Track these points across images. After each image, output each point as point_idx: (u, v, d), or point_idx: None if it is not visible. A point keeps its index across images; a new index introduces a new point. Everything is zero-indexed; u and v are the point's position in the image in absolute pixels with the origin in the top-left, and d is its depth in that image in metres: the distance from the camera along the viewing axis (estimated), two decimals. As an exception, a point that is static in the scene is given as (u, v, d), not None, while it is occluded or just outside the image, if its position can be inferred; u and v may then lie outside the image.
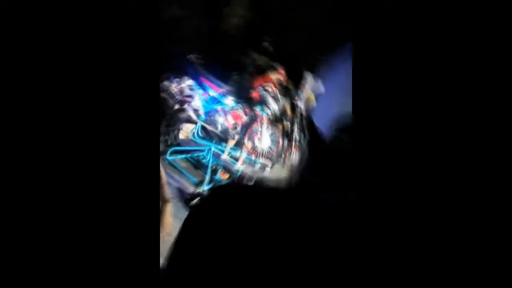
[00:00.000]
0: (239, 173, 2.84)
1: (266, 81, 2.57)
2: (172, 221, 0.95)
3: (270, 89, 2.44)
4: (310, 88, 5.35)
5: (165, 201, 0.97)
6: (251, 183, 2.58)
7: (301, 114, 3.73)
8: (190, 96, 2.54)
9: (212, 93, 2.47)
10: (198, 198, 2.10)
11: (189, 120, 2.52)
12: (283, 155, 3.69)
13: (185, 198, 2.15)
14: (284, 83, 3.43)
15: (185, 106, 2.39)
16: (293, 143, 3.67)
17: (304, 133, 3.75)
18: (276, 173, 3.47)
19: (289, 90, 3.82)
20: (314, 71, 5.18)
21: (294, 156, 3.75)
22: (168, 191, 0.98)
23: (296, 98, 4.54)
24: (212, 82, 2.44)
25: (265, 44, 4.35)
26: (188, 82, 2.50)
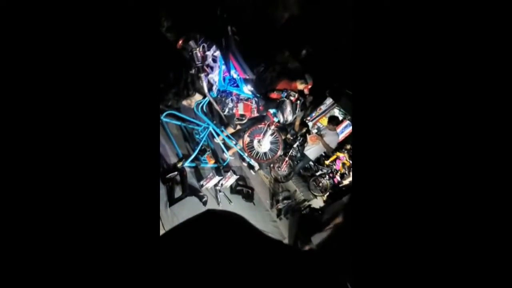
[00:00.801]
0: (225, 163, 2.70)
1: (292, 88, 2.43)
2: None
3: (292, 98, 2.30)
4: (325, 112, 5.27)
5: None
6: (235, 177, 2.44)
7: (305, 135, 3.66)
8: (210, 67, 2.36)
9: (234, 74, 2.30)
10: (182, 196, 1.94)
11: (199, 91, 2.34)
12: (272, 165, 3.59)
13: (162, 165, 1.99)
14: (306, 98, 3.33)
15: (202, 75, 2.21)
16: (287, 158, 3.60)
17: (300, 152, 3.69)
18: (259, 178, 3.37)
19: (307, 106, 3.73)
20: (335, 98, 5.13)
21: (282, 170, 3.67)
22: None
23: (309, 117, 4.48)
24: (239, 63, 2.26)
25: (304, 51, 4.23)
26: (214, 52, 2.32)
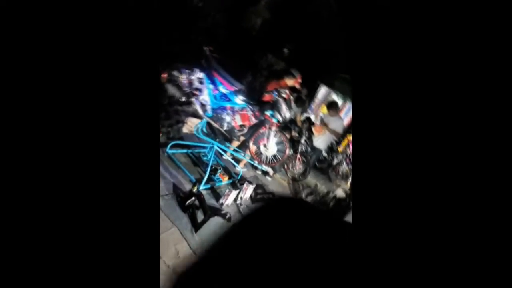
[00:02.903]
0: (239, 177, 2.70)
1: (281, 86, 2.45)
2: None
3: (285, 96, 2.31)
4: (323, 100, 5.24)
5: None
6: (252, 186, 2.44)
7: (310, 127, 3.63)
8: (199, 90, 2.43)
9: (223, 89, 2.35)
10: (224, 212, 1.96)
11: (195, 115, 2.40)
12: (285, 165, 3.56)
13: (178, 195, 2.02)
14: (299, 92, 3.33)
15: (193, 99, 2.27)
16: (298, 155, 3.56)
17: (309, 145, 3.65)
18: (276, 181, 3.34)
19: (303, 100, 3.72)
20: (329, 85, 5.12)
21: (297, 168, 3.63)
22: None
23: (308, 110, 4.47)
24: (225, 78, 2.31)
25: (285, 50, 4.28)
26: (198, 74, 2.39)
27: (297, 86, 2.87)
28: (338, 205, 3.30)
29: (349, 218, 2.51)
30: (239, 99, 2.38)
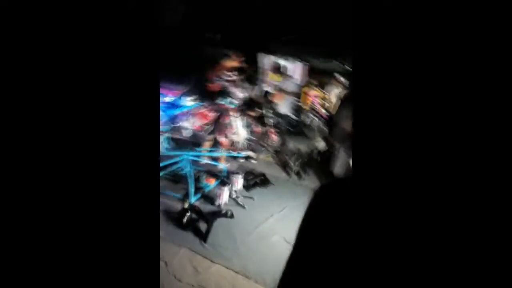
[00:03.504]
0: (224, 173, 2.66)
1: (221, 70, 2.38)
2: None
3: (229, 78, 2.25)
4: (270, 68, 5.26)
5: None
6: (241, 175, 2.41)
7: (269, 99, 3.63)
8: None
9: (168, 98, 2.22)
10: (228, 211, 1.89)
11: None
12: (264, 142, 3.57)
13: (173, 218, 1.93)
14: (243, 69, 3.28)
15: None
16: (270, 129, 3.57)
17: (277, 115, 3.68)
18: (262, 161, 3.35)
19: (249, 75, 3.68)
20: (271, 51, 5.12)
21: (275, 141, 3.66)
22: None
23: (259, 81, 4.45)
24: (165, 86, 2.19)
25: (210, 35, 4.15)
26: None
27: (237, 64, 2.81)
28: (324, 156, 3.42)
29: (335, 164, 2.61)
30: (189, 101, 2.28)
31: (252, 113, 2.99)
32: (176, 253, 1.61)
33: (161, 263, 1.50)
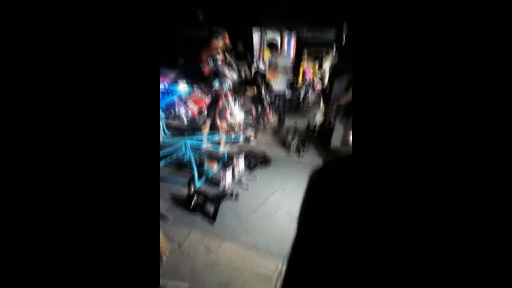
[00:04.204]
0: (226, 156, 2.70)
1: (212, 51, 2.30)
2: (166, 242, 0.83)
3: (220, 57, 2.19)
4: (261, 44, 5.07)
5: None
6: (242, 158, 2.46)
7: (263, 75, 3.56)
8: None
9: (160, 86, 2.19)
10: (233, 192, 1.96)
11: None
12: (261, 122, 3.58)
13: (180, 203, 2.00)
14: (233, 48, 3.17)
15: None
16: (266, 107, 3.55)
17: (272, 93, 3.63)
18: (261, 141, 3.39)
19: (241, 53, 3.57)
20: (261, 25, 4.89)
21: (272, 119, 3.66)
22: None
23: (252, 59, 4.33)
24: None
25: (198, 14, 3.94)
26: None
27: (228, 43, 2.72)
28: (321, 130, 3.45)
29: (332, 137, 2.65)
30: (182, 86, 2.24)
31: (247, 93, 2.96)
32: (187, 235, 1.70)
33: (174, 245, 1.59)
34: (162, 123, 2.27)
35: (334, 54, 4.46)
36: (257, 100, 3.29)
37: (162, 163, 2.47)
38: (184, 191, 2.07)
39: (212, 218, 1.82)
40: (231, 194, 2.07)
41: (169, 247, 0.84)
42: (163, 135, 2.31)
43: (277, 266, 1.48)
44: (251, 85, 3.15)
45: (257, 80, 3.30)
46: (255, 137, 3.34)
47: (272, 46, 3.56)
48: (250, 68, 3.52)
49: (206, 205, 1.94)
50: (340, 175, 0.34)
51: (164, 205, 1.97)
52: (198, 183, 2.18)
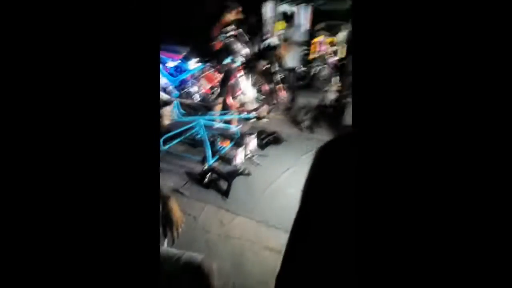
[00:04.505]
0: (237, 135, 2.72)
1: (224, 26, 2.21)
2: (182, 214, 0.88)
3: (233, 33, 2.11)
4: (274, 17, 4.81)
5: (167, 198, 0.88)
6: (254, 136, 2.47)
7: (275, 52, 3.41)
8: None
9: (172, 63, 2.16)
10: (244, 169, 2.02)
11: (164, 103, 2.29)
12: (273, 98, 3.51)
13: (195, 178, 2.09)
14: (246, 21, 3.03)
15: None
16: (278, 84, 3.45)
17: (284, 69, 3.49)
18: (273, 120, 3.36)
19: (255, 27, 3.41)
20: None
21: (284, 97, 3.57)
22: (164, 188, 0.88)
23: (265, 34, 4.13)
24: (167, 50, 2.11)
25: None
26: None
27: (240, 16, 2.59)
28: (335, 107, 3.34)
29: (346, 114, 2.56)
30: (193, 63, 2.21)
31: (260, 69, 2.87)
32: (202, 209, 1.79)
33: (190, 218, 1.69)
34: (176, 102, 2.28)
35: (350, 27, 4.14)
36: (269, 76, 3.20)
37: (176, 140, 2.54)
38: (198, 168, 2.14)
39: (225, 195, 1.89)
40: (243, 171, 2.12)
41: (185, 220, 0.89)
42: (177, 114, 2.34)
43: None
44: (263, 61, 3.05)
45: (269, 55, 3.17)
46: (267, 114, 3.30)
47: (287, 18, 3.36)
48: (263, 42, 3.38)
49: (219, 182, 2.01)
50: (345, 151, 0.34)
51: (180, 181, 2.07)
52: (211, 161, 2.24)
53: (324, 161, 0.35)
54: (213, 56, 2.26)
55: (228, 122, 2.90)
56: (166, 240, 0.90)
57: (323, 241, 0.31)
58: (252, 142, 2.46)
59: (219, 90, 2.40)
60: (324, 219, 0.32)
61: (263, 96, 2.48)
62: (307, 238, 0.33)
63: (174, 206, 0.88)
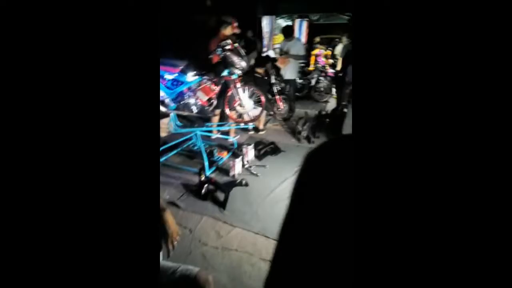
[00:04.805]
0: (235, 145, 2.73)
1: (221, 39, 2.28)
2: (177, 226, 0.87)
3: (229, 47, 2.16)
4: (271, 31, 4.93)
5: (162, 210, 0.88)
6: (251, 146, 2.48)
7: (273, 64, 3.49)
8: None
9: (169, 76, 2.20)
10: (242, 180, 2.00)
11: (162, 115, 2.31)
12: (271, 110, 3.54)
13: (191, 190, 2.07)
14: (243, 35, 3.11)
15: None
16: (276, 96, 3.50)
17: (282, 81, 3.56)
18: (271, 130, 3.38)
19: (251, 40, 3.50)
20: (271, 11, 4.74)
21: (282, 108, 3.62)
22: (160, 200, 0.87)
23: (261, 47, 4.24)
24: (164, 64, 2.15)
25: (208, 2, 3.87)
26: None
27: (236, 31, 2.67)
28: (333, 117, 3.37)
29: (345, 123, 2.59)
30: (190, 76, 2.25)
31: (257, 81, 2.92)
32: (198, 221, 1.76)
33: (186, 231, 1.66)
34: (173, 114, 2.31)
35: (347, 39, 4.27)
36: (267, 88, 3.25)
37: (173, 152, 2.54)
38: (195, 180, 2.13)
39: (222, 206, 1.87)
40: (241, 182, 2.10)
41: (181, 233, 0.87)
42: (175, 127, 2.36)
43: (285, 252, 1.52)
44: (260, 73, 3.11)
45: (267, 67, 3.24)
46: (265, 125, 3.33)
47: (285, 31, 3.46)
48: (260, 55, 3.46)
49: (217, 193, 1.99)
50: (334, 154, 0.33)
51: (176, 193, 2.05)
52: (209, 171, 2.23)
53: (312, 165, 0.35)
54: (210, 69, 2.30)
55: (225, 133, 2.92)
56: (161, 252, 0.88)
57: (311, 245, 0.31)
58: (250, 153, 2.47)
59: (216, 101, 2.43)
60: (312, 223, 0.31)
61: (261, 107, 2.52)
62: (294, 242, 0.33)
63: (170, 218, 0.87)
